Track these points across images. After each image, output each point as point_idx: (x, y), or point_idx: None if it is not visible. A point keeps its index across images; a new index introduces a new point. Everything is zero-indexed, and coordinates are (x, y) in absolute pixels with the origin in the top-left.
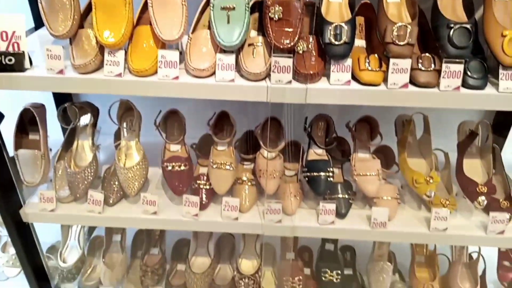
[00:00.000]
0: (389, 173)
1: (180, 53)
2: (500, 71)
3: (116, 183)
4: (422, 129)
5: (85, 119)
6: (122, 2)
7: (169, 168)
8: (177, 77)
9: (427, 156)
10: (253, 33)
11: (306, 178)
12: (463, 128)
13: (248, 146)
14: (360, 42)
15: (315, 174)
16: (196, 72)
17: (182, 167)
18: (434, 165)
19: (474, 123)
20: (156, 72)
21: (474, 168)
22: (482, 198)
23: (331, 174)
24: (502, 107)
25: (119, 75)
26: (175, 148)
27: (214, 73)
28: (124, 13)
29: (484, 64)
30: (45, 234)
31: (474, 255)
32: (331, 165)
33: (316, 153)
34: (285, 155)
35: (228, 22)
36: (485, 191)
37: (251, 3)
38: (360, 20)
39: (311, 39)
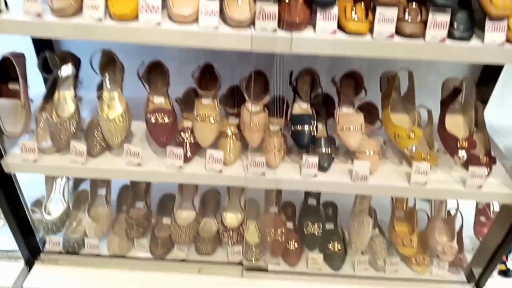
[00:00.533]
0: (372, 128)
1: None
2: (487, 22)
3: (100, 134)
4: (406, 87)
5: (67, 69)
6: None
7: (153, 120)
8: (159, 23)
9: (410, 112)
10: None
11: (290, 132)
12: (447, 84)
13: (234, 101)
14: None
15: (299, 127)
16: (179, 18)
17: (166, 119)
18: (417, 121)
19: (459, 80)
20: (137, 17)
21: (456, 124)
22: (462, 153)
23: (314, 128)
24: (487, 59)
25: (99, 19)
26: (158, 100)
27: (197, 19)
28: None
29: (470, 16)
30: (30, 189)
31: (453, 212)
32: (315, 119)
33: (301, 107)
34: (270, 110)
35: None
36: (466, 146)
37: None
38: None
39: None
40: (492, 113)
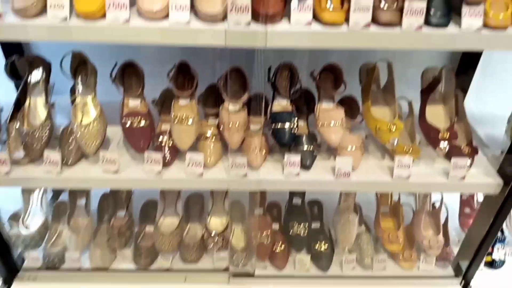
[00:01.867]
0: (354, 123)
1: None
2: (463, 6)
3: (74, 142)
4: (386, 79)
5: (37, 74)
6: None
7: (128, 124)
8: (127, 20)
9: (390, 104)
10: None
11: (271, 130)
12: (427, 74)
13: (213, 101)
14: None
15: (279, 125)
16: (148, 15)
17: (142, 123)
18: (398, 113)
19: (438, 69)
20: (104, 15)
21: (437, 115)
22: (444, 144)
23: (295, 125)
24: (465, 46)
25: (64, 19)
26: (134, 103)
27: (167, 15)
28: None
29: (447, 2)
30: (6, 203)
31: (437, 205)
32: (295, 116)
33: (281, 104)
34: (250, 109)
35: None
36: (447, 137)
37: None
38: None
39: None
40: (473, 102)
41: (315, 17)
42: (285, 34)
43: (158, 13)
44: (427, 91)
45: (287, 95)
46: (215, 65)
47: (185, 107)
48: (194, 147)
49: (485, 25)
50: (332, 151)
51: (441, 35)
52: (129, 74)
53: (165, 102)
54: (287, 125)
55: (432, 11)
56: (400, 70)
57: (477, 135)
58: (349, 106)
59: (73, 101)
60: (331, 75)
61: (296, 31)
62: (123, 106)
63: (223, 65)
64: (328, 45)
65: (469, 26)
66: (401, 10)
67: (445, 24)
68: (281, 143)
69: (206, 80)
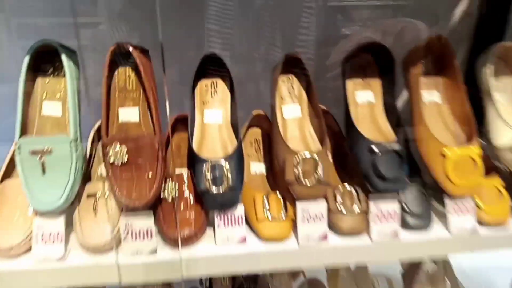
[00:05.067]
0: None
1: None
2: (447, 202)
3: None
4: None
5: None
6: None
7: None
8: None
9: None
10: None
11: None
12: None
13: None
14: (257, 167)
15: None
16: (2, 254)
17: None
18: None
19: None
20: None
21: None
22: None
23: None
24: (456, 251)
25: None
26: None
27: (30, 248)
28: None
29: (423, 193)
30: None
31: None
32: None
33: None
34: None
35: (44, 172)
36: None
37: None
38: (254, 133)
39: (185, 176)
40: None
41: (251, 229)
42: (209, 260)
43: (14, 249)
44: (410, 273)
45: None
46: None
47: None
48: None
49: (480, 222)
50: None
51: (425, 242)
52: None
53: None
54: None
55: (406, 208)
56: None
57: None
58: None
59: None
60: None
61: (223, 255)
62: None
63: None
64: (268, 267)
65: (459, 228)
66: (366, 212)
67: (425, 226)
68: None
69: None
